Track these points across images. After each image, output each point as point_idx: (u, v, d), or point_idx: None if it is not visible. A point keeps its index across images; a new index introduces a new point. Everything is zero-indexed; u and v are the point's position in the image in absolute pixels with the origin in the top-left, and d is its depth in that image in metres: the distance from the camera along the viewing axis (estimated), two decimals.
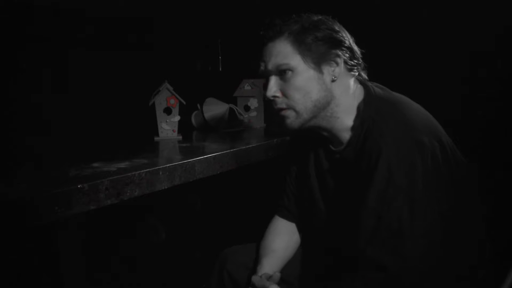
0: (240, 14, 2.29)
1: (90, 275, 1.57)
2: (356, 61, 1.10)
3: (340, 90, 1.09)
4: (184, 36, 2.27)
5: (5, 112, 1.56)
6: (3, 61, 1.56)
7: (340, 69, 1.08)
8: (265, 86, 1.12)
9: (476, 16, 1.63)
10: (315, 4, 1.19)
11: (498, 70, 1.60)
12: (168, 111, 1.62)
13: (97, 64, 1.85)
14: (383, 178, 0.97)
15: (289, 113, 1.10)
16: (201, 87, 2.20)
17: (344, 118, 1.10)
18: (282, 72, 1.08)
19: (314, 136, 1.19)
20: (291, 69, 1.06)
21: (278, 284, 1.18)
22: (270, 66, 1.09)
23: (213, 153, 1.30)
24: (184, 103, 1.63)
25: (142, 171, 1.07)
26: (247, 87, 2.00)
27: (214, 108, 1.93)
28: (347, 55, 1.08)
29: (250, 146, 1.46)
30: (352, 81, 1.11)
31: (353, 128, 1.09)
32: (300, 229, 1.34)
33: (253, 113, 2.01)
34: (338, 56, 1.07)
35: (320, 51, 1.06)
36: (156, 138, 1.63)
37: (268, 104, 1.14)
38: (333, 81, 1.08)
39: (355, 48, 1.11)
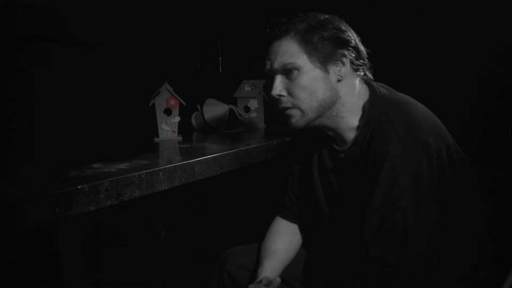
0: (240, 15, 2.29)
1: (90, 275, 1.57)
2: (362, 61, 1.10)
3: (346, 90, 1.09)
4: (184, 36, 2.27)
5: (5, 112, 1.56)
6: (3, 61, 1.56)
7: (346, 69, 1.08)
8: (268, 85, 1.12)
9: (477, 16, 1.63)
10: (315, 4, 1.19)
11: (498, 70, 1.60)
12: (168, 112, 1.62)
13: (98, 64, 1.85)
14: (389, 178, 0.98)
15: (294, 112, 1.10)
16: (201, 88, 2.20)
17: (349, 117, 1.10)
18: (288, 71, 1.08)
19: (318, 135, 1.19)
20: (297, 68, 1.06)
21: (279, 286, 1.18)
22: (276, 65, 1.09)
23: (213, 154, 1.30)
24: (184, 104, 1.63)
25: (142, 172, 1.07)
26: (247, 88, 2.00)
27: (214, 109, 1.93)
28: (353, 55, 1.08)
29: (250, 147, 1.46)
30: (357, 81, 1.11)
31: (358, 128, 1.10)
32: (301, 230, 1.34)
33: (253, 114, 2.01)
34: (344, 56, 1.07)
35: (327, 51, 1.06)
36: (156, 139, 1.63)
37: (273, 103, 1.13)
38: (339, 81, 1.08)
39: (361, 48, 1.11)
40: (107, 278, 1.64)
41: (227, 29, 2.38)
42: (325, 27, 1.06)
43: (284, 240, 1.30)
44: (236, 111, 1.98)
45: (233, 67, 2.41)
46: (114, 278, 1.66)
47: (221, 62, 2.46)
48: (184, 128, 1.73)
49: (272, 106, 1.15)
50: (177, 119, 1.63)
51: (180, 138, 1.65)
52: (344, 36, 1.07)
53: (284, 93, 1.09)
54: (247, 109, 2.02)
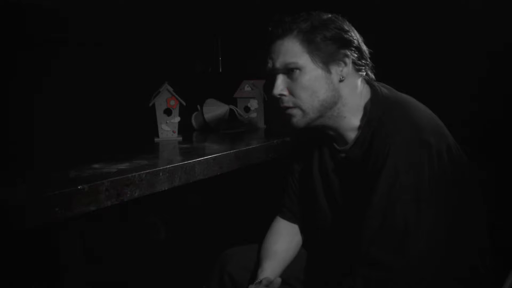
0: (240, 15, 2.29)
1: (90, 275, 1.57)
2: (364, 61, 1.10)
3: (348, 90, 1.09)
4: (184, 37, 2.27)
5: (5, 112, 1.56)
6: (3, 61, 1.56)
7: (348, 69, 1.08)
8: (270, 85, 1.12)
9: (477, 17, 1.63)
10: (315, 4, 1.19)
11: (499, 70, 1.60)
12: (168, 112, 1.62)
13: (98, 65, 1.85)
14: (390, 178, 0.97)
15: (296, 112, 1.10)
16: (201, 88, 2.20)
17: (350, 117, 1.10)
18: (290, 71, 1.07)
19: (318, 135, 1.19)
20: (299, 68, 1.06)
21: (280, 287, 1.18)
22: (278, 64, 1.08)
23: (213, 154, 1.30)
24: (184, 104, 1.63)
25: (142, 172, 1.07)
26: (247, 88, 2.00)
27: (214, 109, 1.93)
28: (356, 55, 1.08)
29: (250, 147, 1.46)
30: (359, 81, 1.11)
31: (359, 128, 1.10)
32: (302, 230, 1.34)
33: (253, 114, 2.01)
34: (347, 56, 1.07)
35: (329, 51, 1.06)
36: (156, 139, 1.63)
37: (274, 102, 1.13)
38: (341, 81, 1.08)
39: (364, 48, 1.11)
40: (107, 278, 1.64)
41: (227, 29, 2.38)
42: (328, 27, 1.06)
43: (284, 240, 1.30)
44: (236, 111, 1.98)
45: (233, 68, 2.41)
46: (114, 278, 1.66)
47: (221, 63, 2.46)
48: (184, 128, 1.73)
49: (272, 105, 1.15)
50: (177, 119, 1.63)
51: (180, 138, 1.65)
52: (347, 36, 1.07)
53: (285, 92, 1.09)
54: (247, 109, 2.02)
